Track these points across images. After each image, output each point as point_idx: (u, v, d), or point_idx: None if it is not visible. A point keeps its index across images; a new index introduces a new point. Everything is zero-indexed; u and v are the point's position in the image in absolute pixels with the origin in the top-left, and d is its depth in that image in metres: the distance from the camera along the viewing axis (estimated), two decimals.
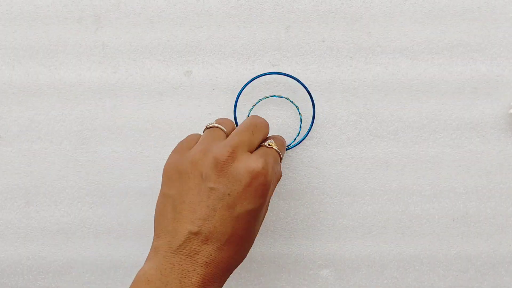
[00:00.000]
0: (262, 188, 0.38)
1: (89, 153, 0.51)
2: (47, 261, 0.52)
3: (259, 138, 0.42)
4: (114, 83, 0.51)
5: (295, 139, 0.50)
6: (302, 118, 0.50)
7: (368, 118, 0.51)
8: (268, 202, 0.42)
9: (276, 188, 0.51)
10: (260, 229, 0.51)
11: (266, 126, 0.44)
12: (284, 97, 0.50)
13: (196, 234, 0.37)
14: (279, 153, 0.43)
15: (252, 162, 0.38)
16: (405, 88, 0.51)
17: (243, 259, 0.40)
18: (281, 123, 0.51)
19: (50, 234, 0.52)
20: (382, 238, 0.51)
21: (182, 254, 0.37)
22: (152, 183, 0.51)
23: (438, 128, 0.51)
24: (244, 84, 0.50)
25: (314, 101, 0.50)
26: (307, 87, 0.50)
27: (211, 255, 0.37)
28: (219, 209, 0.38)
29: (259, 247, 0.52)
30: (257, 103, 0.50)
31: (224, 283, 0.39)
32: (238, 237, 0.38)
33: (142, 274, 0.38)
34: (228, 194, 0.38)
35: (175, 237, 0.38)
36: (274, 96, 0.50)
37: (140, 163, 0.51)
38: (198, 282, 0.37)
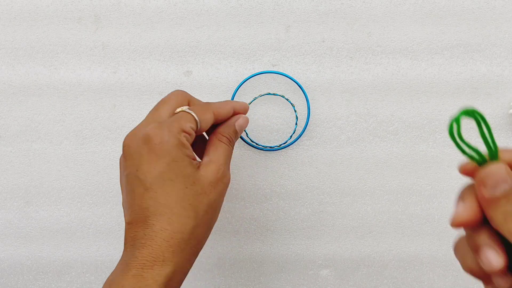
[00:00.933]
0: (157, 148, 0.38)
1: (89, 153, 0.51)
2: (47, 261, 0.52)
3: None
4: (114, 83, 0.51)
5: (291, 137, 0.50)
6: (297, 115, 0.50)
7: (368, 118, 0.51)
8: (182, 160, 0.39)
9: (276, 188, 0.51)
10: (260, 229, 0.51)
11: (223, 109, 0.42)
12: (279, 95, 0.50)
13: (129, 223, 0.38)
14: (191, 114, 0.40)
15: (144, 128, 0.38)
16: (405, 88, 0.50)
17: (182, 228, 0.38)
18: (279, 121, 0.51)
19: (50, 234, 0.52)
20: (382, 238, 0.51)
21: (127, 245, 0.37)
22: None
23: (438, 128, 0.51)
24: (237, 86, 0.50)
25: (309, 99, 0.50)
26: (300, 84, 0.50)
27: (145, 235, 0.37)
28: (135, 188, 0.37)
29: (259, 247, 0.52)
30: (252, 101, 0.50)
31: (181, 259, 0.38)
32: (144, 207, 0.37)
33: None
34: (136, 170, 0.38)
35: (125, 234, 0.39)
36: (269, 94, 0.50)
37: None
38: (137, 265, 0.36)
